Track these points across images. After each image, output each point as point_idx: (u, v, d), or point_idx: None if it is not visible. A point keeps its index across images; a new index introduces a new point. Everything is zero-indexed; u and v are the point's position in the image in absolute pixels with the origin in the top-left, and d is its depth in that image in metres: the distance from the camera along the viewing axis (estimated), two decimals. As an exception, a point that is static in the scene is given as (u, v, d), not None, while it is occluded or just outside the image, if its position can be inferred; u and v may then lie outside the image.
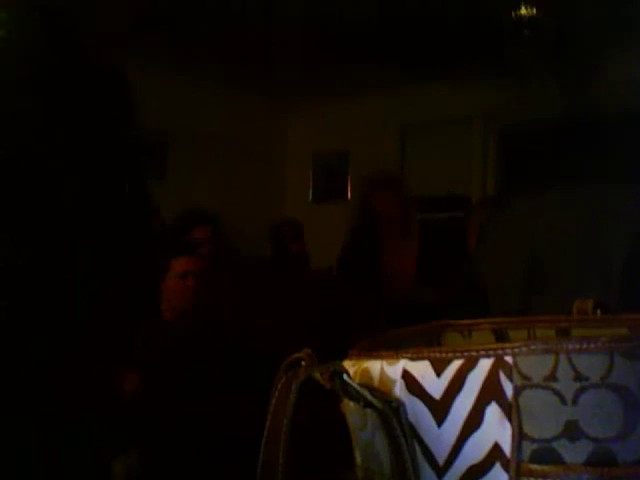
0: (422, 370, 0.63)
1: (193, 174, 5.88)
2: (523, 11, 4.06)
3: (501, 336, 0.92)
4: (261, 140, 6.66)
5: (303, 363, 0.63)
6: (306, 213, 6.79)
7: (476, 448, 0.60)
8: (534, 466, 0.58)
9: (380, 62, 5.44)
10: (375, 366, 0.66)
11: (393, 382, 0.64)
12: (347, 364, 0.69)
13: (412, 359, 0.64)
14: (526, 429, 0.58)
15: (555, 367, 0.57)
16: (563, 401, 0.57)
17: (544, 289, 3.03)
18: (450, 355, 0.62)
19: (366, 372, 0.67)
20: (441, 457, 0.62)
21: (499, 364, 0.59)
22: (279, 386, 0.63)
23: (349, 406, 0.66)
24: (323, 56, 5.30)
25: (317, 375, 0.62)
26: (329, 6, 4.35)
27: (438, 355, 0.62)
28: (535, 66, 4.75)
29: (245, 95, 6.30)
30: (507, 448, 0.58)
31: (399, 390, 0.64)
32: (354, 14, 4.48)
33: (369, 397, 0.62)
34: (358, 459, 0.69)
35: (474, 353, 0.60)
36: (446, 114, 6.13)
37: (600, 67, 4.74)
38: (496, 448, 0.59)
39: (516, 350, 0.59)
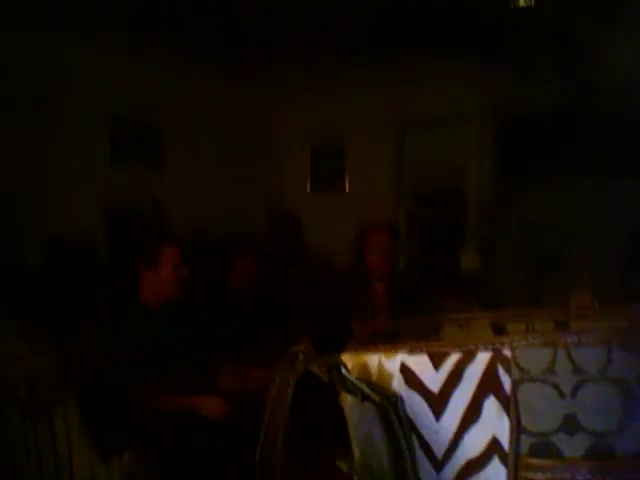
0: (420, 364, 0.62)
1: (191, 166, 5.86)
2: (521, 3, 4.04)
3: (499, 329, 0.92)
4: (259, 132, 6.64)
5: (301, 357, 0.63)
6: (304, 203, 6.77)
7: (474, 442, 0.60)
8: (532, 460, 0.58)
9: (379, 58, 5.43)
10: (373, 360, 0.66)
11: (391, 376, 0.64)
12: (345, 357, 0.69)
13: (410, 353, 0.63)
14: (524, 423, 0.58)
15: (553, 360, 0.57)
16: (561, 395, 0.57)
17: (548, 278, 3.04)
18: (448, 349, 0.61)
19: (365, 366, 0.67)
20: (439, 451, 0.61)
21: (497, 358, 0.59)
22: (277, 380, 0.62)
23: (347, 400, 0.66)
24: (322, 50, 5.29)
25: (315, 368, 0.62)
26: (329, 1, 4.34)
27: (436, 349, 0.62)
28: (534, 62, 4.73)
29: (243, 87, 6.28)
30: (505, 442, 0.58)
31: (397, 384, 0.63)
32: (354, 10, 4.47)
33: (366, 390, 0.62)
34: (356, 452, 0.68)
35: (472, 347, 0.60)
36: (444, 111, 6.11)
37: (600, 63, 4.73)
38: (494, 442, 0.59)
39: (514, 344, 0.59)
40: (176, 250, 3.02)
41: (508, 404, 0.59)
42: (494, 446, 0.59)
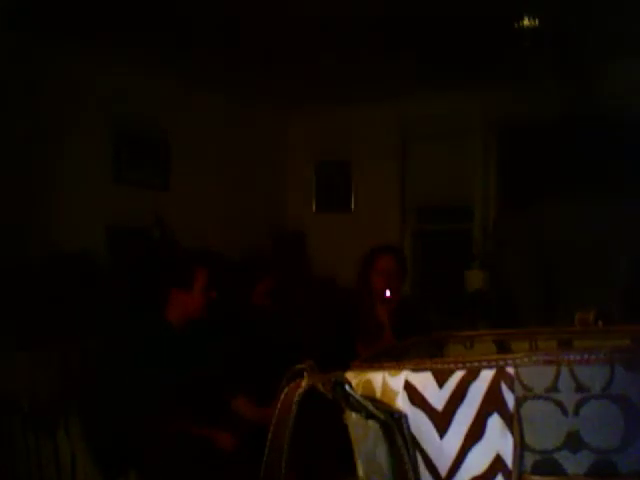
0: (424, 381, 0.63)
1: (196, 185, 5.90)
2: (526, 22, 4.06)
3: (503, 347, 0.92)
4: (264, 151, 6.68)
5: (305, 374, 0.63)
6: (309, 223, 6.80)
7: (478, 459, 0.60)
8: (536, 477, 0.58)
9: (381, 72, 5.46)
10: (377, 377, 0.66)
11: (396, 393, 0.64)
12: (350, 375, 0.69)
13: (414, 370, 0.64)
14: (528, 440, 0.58)
15: (556, 378, 0.57)
16: (564, 412, 0.57)
17: (554, 294, 3.04)
18: (452, 366, 0.62)
19: (369, 384, 0.67)
20: (443, 468, 0.62)
21: (501, 375, 0.59)
22: (281, 397, 0.63)
23: (351, 417, 0.66)
24: (324, 67, 5.32)
25: (320, 386, 0.63)
26: (330, 17, 4.37)
27: (440, 366, 0.63)
28: (536, 74, 4.75)
29: (247, 106, 6.32)
30: (509, 459, 0.58)
31: (401, 401, 0.64)
32: (355, 24, 4.50)
33: (371, 408, 0.63)
34: (360, 470, 0.69)
35: (476, 364, 0.60)
36: (447, 123, 6.14)
37: (601, 74, 4.75)
38: (498, 459, 0.59)
39: (518, 361, 0.59)
40: (207, 273, 3.07)
41: (512, 421, 0.59)
42: (498, 464, 0.59)
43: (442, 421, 0.62)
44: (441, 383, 0.62)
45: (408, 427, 0.63)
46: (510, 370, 0.59)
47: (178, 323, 3.08)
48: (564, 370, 0.57)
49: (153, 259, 4.22)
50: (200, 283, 3.07)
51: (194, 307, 3.07)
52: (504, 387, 0.59)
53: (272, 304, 3.85)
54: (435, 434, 0.62)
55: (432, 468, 0.63)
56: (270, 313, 3.80)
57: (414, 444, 0.63)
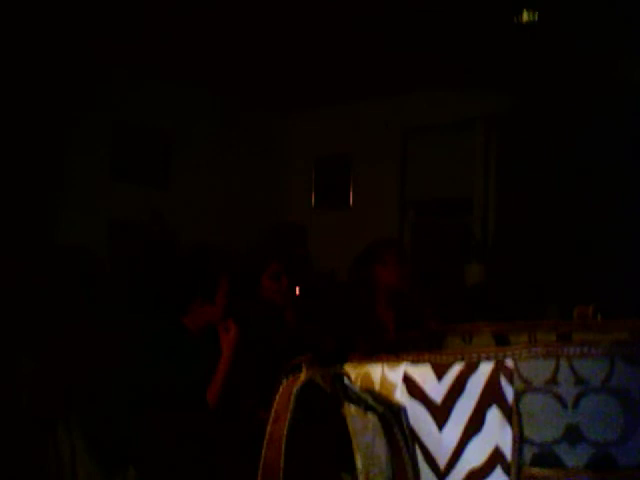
0: (423, 374, 0.63)
1: (195, 180, 5.89)
2: (525, 18, 4.05)
3: (502, 340, 0.92)
4: (263, 146, 6.67)
5: (304, 367, 0.63)
6: (309, 218, 6.80)
7: (477, 452, 0.60)
8: (535, 470, 0.58)
9: (381, 67, 5.45)
10: (376, 370, 0.66)
11: (394, 386, 0.64)
12: (348, 368, 0.69)
13: (413, 363, 0.64)
14: (527, 433, 0.58)
15: (556, 371, 0.57)
16: (564, 405, 0.57)
17: (552, 289, 3.05)
18: (451, 359, 0.61)
19: (367, 376, 0.67)
20: (442, 461, 0.62)
21: (500, 368, 0.59)
22: (280, 390, 0.63)
23: (350, 410, 0.66)
24: (324, 62, 5.31)
25: (318, 379, 0.62)
26: (330, 11, 4.36)
27: (439, 359, 0.62)
28: (535, 69, 4.75)
29: (246, 102, 6.31)
30: (508, 452, 0.58)
31: (400, 394, 0.64)
32: (355, 19, 4.49)
33: (370, 401, 0.62)
34: (359, 463, 0.68)
35: (475, 357, 0.60)
36: (447, 117, 6.13)
37: (601, 69, 4.75)
38: (497, 452, 0.59)
39: (517, 354, 0.59)
40: (228, 279, 3.05)
41: (511, 414, 0.59)
42: (497, 456, 0.59)
43: (441, 414, 0.61)
44: (440, 376, 0.62)
45: (407, 420, 0.63)
46: (509, 363, 0.59)
47: (195, 327, 3.05)
48: (563, 363, 0.57)
49: (174, 265, 4.18)
50: (223, 290, 3.05)
51: (216, 315, 3.04)
52: (503, 380, 0.59)
53: (281, 288, 3.84)
54: (434, 427, 0.62)
55: (431, 460, 0.62)
56: (272, 310, 3.77)
57: (413, 437, 0.63)
